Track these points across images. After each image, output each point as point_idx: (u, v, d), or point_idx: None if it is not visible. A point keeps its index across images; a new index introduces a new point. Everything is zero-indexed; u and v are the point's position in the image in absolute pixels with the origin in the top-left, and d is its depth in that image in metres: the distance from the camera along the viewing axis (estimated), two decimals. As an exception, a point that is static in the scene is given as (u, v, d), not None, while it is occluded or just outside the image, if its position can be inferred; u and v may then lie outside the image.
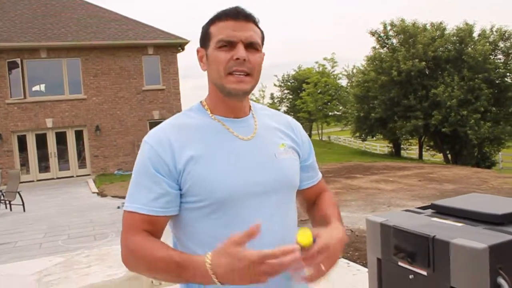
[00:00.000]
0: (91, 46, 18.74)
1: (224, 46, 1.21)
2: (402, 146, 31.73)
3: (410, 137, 28.45)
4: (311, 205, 1.51)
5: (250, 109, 1.36)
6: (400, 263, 2.26)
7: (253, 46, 1.23)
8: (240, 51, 1.19)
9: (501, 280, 1.87)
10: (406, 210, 2.61)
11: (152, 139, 1.23)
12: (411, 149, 32.74)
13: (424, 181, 12.59)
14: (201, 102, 1.34)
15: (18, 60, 17.85)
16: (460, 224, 2.20)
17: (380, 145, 34.12)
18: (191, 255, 1.12)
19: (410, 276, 2.20)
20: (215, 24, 1.24)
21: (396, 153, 30.41)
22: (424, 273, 2.12)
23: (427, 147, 29.90)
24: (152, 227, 1.20)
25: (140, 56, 19.63)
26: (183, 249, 1.24)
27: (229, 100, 1.27)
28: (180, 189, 1.20)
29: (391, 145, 31.92)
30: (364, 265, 4.20)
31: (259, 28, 1.27)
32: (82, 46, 18.61)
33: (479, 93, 23.16)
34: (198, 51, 1.31)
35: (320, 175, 1.53)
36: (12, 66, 17.90)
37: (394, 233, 2.28)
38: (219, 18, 1.24)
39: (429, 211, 2.53)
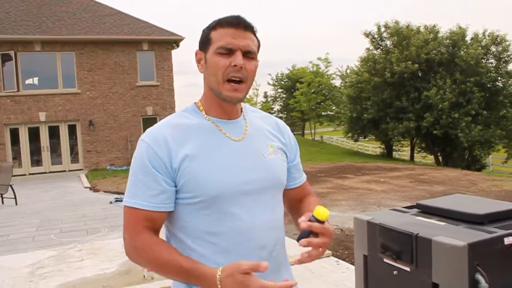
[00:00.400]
0: (85, 41, 18.70)
1: (223, 53, 1.28)
2: (394, 147, 31.91)
3: (402, 139, 28.62)
4: (295, 203, 1.59)
5: (241, 110, 1.44)
6: (385, 260, 2.37)
7: (249, 55, 1.31)
8: (238, 59, 1.27)
9: (479, 276, 1.98)
10: (393, 209, 2.72)
11: (150, 138, 1.30)
12: (403, 151, 32.94)
13: (415, 182, 12.72)
14: (195, 103, 1.41)
15: (12, 53, 17.78)
16: (442, 223, 2.31)
17: (372, 146, 34.31)
18: (200, 265, 1.22)
19: (394, 272, 2.31)
20: (216, 30, 1.31)
21: (388, 154, 30.60)
22: (408, 269, 2.23)
23: (419, 149, 30.11)
24: (153, 223, 1.28)
25: (134, 52, 19.61)
26: (176, 242, 1.33)
27: (224, 103, 1.35)
28: (176, 186, 1.28)
29: (383, 146, 32.11)
30: (353, 263, 4.30)
31: (256, 37, 1.35)
32: (77, 40, 18.57)
33: (470, 96, 23.36)
34: (196, 53, 1.38)
35: (304, 176, 1.62)
36: (6, 58, 17.82)
37: (379, 230, 2.38)
38: (220, 24, 1.31)
39: (415, 210, 2.64)
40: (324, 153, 26.80)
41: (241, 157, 1.33)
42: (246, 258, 1.24)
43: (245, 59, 1.29)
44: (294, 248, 5.32)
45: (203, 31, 1.36)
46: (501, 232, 2.10)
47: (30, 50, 18.14)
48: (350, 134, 31.62)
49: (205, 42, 1.34)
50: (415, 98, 24.88)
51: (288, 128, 1.58)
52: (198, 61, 1.37)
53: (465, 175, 15.12)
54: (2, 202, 11.11)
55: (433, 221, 2.36)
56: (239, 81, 1.30)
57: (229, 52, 1.28)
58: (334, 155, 25.62)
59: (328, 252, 5.44)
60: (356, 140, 32.86)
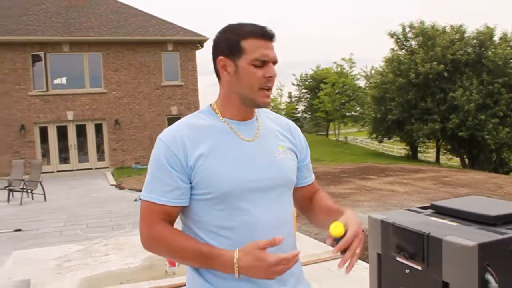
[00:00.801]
0: (112, 41, 19.09)
1: (258, 65, 1.37)
2: (419, 149, 31.55)
3: (427, 140, 28.28)
4: (305, 201, 1.67)
5: (254, 112, 1.53)
6: (398, 258, 2.43)
7: (275, 64, 1.41)
8: (273, 71, 1.39)
9: (488, 276, 2.03)
10: (407, 209, 2.77)
11: (167, 138, 1.39)
12: (428, 152, 32.53)
13: (439, 185, 12.61)
14: (210, 105, 1.51)
15: (42, 54, 18.29)
16: (455, 224, 2.35)
17: (397, 147, 33.99)
18: (218, 249, 1.33)
19: (407, 271, 2.36)
20: (247, 40, 1.37)
21: (413, 156, 30.27)
22: (419, 268, 2.28)
23: (445, 151, 29.71)
24: (168, 216, 1.39)
25: (159, 52, 19.93)
26: (191, 235, 1.43)
27: (243, 107, 1.45)
28: (191, 182, 1.38)
29: (408, 147, 31.79)
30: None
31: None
32: (104, 41, 18.97)
33: (498, 97, 22.96)
34: (220, 59, 1.42)
35: (313, 176, 1.70)
36: (36, 59, 18.33)
37: (393, 230, 2.44)
38: (251, 35, 1.38)
39: (429, 211, 2.69)
40: (348, 154, 26.70)
41: (252, 156, 1.42)
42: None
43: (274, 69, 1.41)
44: (310, 246, 5.40)
45: (230, 39, 1.40)
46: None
47: (58, 51, 18.63)
48: (374, 135, 31.40)
49: (234, 50, 1.39)
50: (440, 99, 24.56)
51: (298, 129, 1.66)
52: (224, 68, 1.42)
53: (491, 178, 14.90)
54: (32, 198, 11.46)
55: (446, 221, 2.40)
56: (269, 89, 1.41)
57: (263, 64, 1.38)
58: (358, 156, 25.50)
59: (347, 252, 5.47)
60: (380, 141, 32.60)
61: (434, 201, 2.72)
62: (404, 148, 32.87)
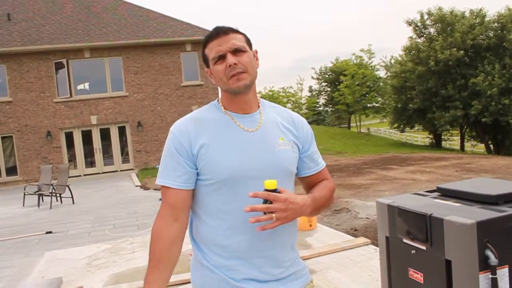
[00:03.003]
0: (131, 45, 19.45)
1: (218, 61, 1.53)
2: (443, 137, 31.14)
3: (450, 128, 27.90)
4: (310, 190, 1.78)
5: (258, 106, 1.66)
6: (404, 240, 2.53)
7: (239, 50, 1.53)
8: (230, 59, 1.51)
9: (488, 253, 2.12)
10: (414, 194, 2.86)
11: (176, 130, 1.57)
12: (452, 140, 32.09)
13: (461, 172, 12.50)
14: (218, 99, 1.66)
15: (64, 61, 18.76)
16: (458, 204, 2.44)
17: (421, 136, 33.61)
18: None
19: (412, 251, 2.47)
20: (207, 47, 1.57)
21: (437, 144, 29.92)
22: (424, 248, 2.38)
23: (469, 137, 29.28)
24: (180, 203, 1.54)
25: (178, 53, 20.19)
26: (195, 217, 1.60)
27: (237, 98, 1.58)
28: (196, 169, 1.54)
29: (431, 136, 31.40)
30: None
31: (240, 33, 1.58)
32: (123, 45, 19.34)
33: (522, 81, 22.54)
34: (206, 71, 1.63)
35: (321, 165, 1.78)
36: (59, 66, 18.83)
37: (398, 213, 2.55)
38: (206, 41, 1.57)
39: (435, 194, 2.78)
40: (370, 145, 26.56)
41: (251, 146, 1.55)
42: (249, 234, 1.48)
43: (237, 55, 1.52)
44: (331, 236, 5.51)
45: (202, 52, 1.62)
46: (511, 211, 2.22)
47: (80, 57, 19.08)
48: (396, 125, 31.12)
49: (205, 60, 1.60)
50: (461, 86, 24.21)
51: (304, 122, 1.76)
52: (210, 76, 1.63)
53: (516, 163, 14.66)
54: (61, 202, 11.83)
55: (449, 202, 2.49)
56: (240, 73, 1.52)
57: (221, 58, 1.53)
58: (380, 147, 25.35)
59: (367, 240, 5.57)
60: (402, 131, 32.29)
61: (439, 184, 2.81)
62: (428, 137, 32.49)
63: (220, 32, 1.54)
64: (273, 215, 1.39)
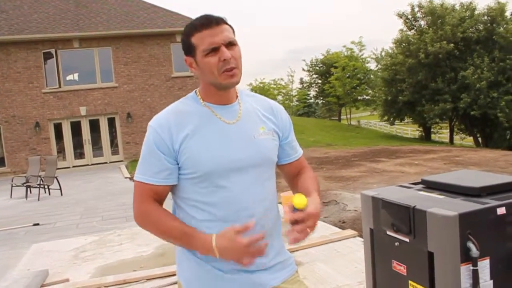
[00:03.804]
0: (121, 35, 19.27)
1: (210, 53, 1.47)
2: (432, 130, 31.35)
3: (439, 121, 28.10)
4: (292, 178, 1.79)
5: (236, 96, 1.64)
6: (388, 232, 2.54)
7: (231, 44, 1.49)
8: (225, 53, 1.46)
9: (470, 245, 2.13)
10: (399, 186, 2.87)
11: (156, 124, 1.55)
12: (442, 133, 32.32)
13: (449, 164, 12.60)
14: (195, 91, 1.63)
15: (53, 51, 18.55)
16: (441, 196, 2.45)
17: (411, 129, 33.80)
18: (199, 232, 1.47)
19: (396, 244, 2.47)
20: (194, 35, 1.49)
21: (426, 137, 30.11)
22: (407, 240, 2.39)
23: (458, 130, 29.49)
24: (157, 195, 1.53)
25: (168, 44, 20.04)
26: (179, 210, 1.58)
27: (221, 92, 1.55)
28: (178, 163, 1.51)
29: (421, 129, 31.59)
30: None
31: (228, 25, 1.53)
32: (113, 35, 19.15)
33: (510, 74, 22.71)
34: (186, 60, 1.57)
35: (300, 152, 1.80)
36: (47, 56, 18.62)
37: (382, 205, 2.55)
38: (195, 29, 1.49)
39: (420, 186, 2.79)
40: (360, 138, 26.65)
41: (232, 137, 1.54)
42: (234, 224, 1.46)
43: (229, 48, 1.48)
44: (320, 228, 5.54)
45: (182, 39, 1.54)
46: (494, 203, 2.23)
47: (69, 47, 18.88)
48: (386, 118, 31.26)
49: (189, 49, 1.52)
50: (451, 79, 24.35)
51: (282, 109, 1.76)
52: (190, 66, 1.56)
53: (504, 156, 14.81)
54: (49, 193, 11.75)
55: (433, 195, 2.50)
56: (233, 68, 1.49)
57: (214, 50, 1.47)
58: (370, 140, 25.45)
59: (354, 233, 5.61)
60: (392, 124, 32.46)
61: (424, 177, 2.82)
62: (418, 130, 32.69)
63: (213, 22, 1.48)
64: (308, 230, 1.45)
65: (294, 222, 1.41)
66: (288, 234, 1.42)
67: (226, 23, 1.52)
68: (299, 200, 1.42)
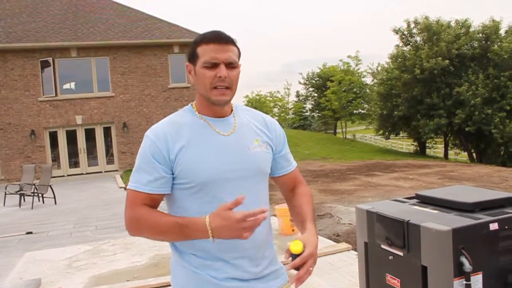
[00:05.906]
0: (119, 45, 19.32)
1: (209, 66, 1.52)
2: (427, 144, 31.49)
3: (434, 136, 28.26)
4: (287, 190, 1.83)
5: (232, 110, 1.68)
6: (382, 246, 2.56)
7: (231, 65, 1.54)
8: (222, 71, 1.51)
9: (463, 259, 2.16)
10: (394, 200, 2.90)
11: (153, 134, 1.57)
12: (437, 148, 32.47)
13: (444, 179, 12.66)
14: (191, 104, 1.67)
15: (50, 59, 18.57)
16: (435, 211, 2.48)
17: (406, 144, 33.94)
18: (191, 218, 1.46)
19: (390, 257, 2.50)
20: (201, 46, 1.54)
21: (421, 152, 30.23)
22: (401, 253, 2.42)
23: (452, 146, 29.64)
24: (151, 202, 1.54)
25: (166, 55, 20.11)
26: None
27: (213, 106, 1.59)
28: (173, 173, 1.54)
29: (416, 143, 31.74)
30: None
31: (236, 47, 1.58)
32: (110, 45, 19.20)
33: (504, 91, 22.89)
34: (187, 65, 1.62)
35: (294, 165, 1.84)
36: (45, 65, 18.63)
37: (377, 218, 2.58)
38: (204, 41, 1.54)
39: (414, 200, 2.82)
40: (355, 151, 26.73)
41: (227, 149, 1.57)
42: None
43: (228, 69, 1.53)
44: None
45: (191, 46, 1.59)
46: (487, 218, 2.26)
47: (66, 56, 18.90)
48: (381, 132, 31.40)
49: (193, 56, 1.57)
50: (446, 94, 24.55)
51: (276, 123, 1.80)
52: (189, 72, 1.62)
53: (497, 172, 14.90)
54: (43, 202, 11.70)
55: (427, 209, 2.53)
56: (225, 88, 1.54)
57: (214, 65, 1.52)
58: (365, 153, 25.53)
59: (348, 246, 5.63)
60: (387, 138, 32.60)
61: (418, 191, 2.85)
62: (413, 144, 32.84)
63: (222, 39, 1.53)
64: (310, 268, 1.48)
65: (296, 269, 1.46)
66: (294, 281, 1.45)
67: (235, 45, 1.57)
68: (296, 247, 1.46)
